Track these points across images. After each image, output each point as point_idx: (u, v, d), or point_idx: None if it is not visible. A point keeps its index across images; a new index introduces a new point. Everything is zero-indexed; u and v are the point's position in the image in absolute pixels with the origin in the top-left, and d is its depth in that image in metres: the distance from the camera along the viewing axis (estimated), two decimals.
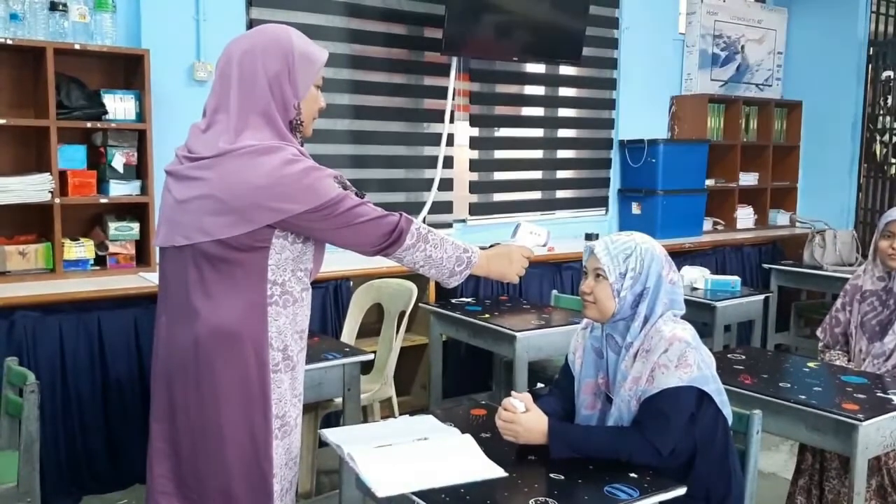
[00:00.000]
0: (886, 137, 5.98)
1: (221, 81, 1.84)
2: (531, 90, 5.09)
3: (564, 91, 5.24)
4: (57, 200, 3.30)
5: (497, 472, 1.78)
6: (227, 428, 1.81)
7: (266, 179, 1.73)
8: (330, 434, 2.02)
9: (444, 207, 4.69)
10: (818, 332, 3.13)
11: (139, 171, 3.52)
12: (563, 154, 5.33)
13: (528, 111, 5.13)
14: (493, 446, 1.90)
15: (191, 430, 1.83)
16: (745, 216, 5.95)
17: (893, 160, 5.97)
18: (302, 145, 1.87)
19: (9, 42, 3.18)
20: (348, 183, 1.87)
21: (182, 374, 1.83)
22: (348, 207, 1.80)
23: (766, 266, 5.31)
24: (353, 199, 1.82)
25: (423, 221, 4.43)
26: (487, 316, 3.51)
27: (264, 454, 1.84)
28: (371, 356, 3.04)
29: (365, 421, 2.04)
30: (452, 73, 4.53)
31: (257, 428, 1.82)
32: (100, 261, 3.50)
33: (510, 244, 2.09)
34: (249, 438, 1.82)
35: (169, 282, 1.89)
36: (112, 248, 3.50)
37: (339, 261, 3.90)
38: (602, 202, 5.49)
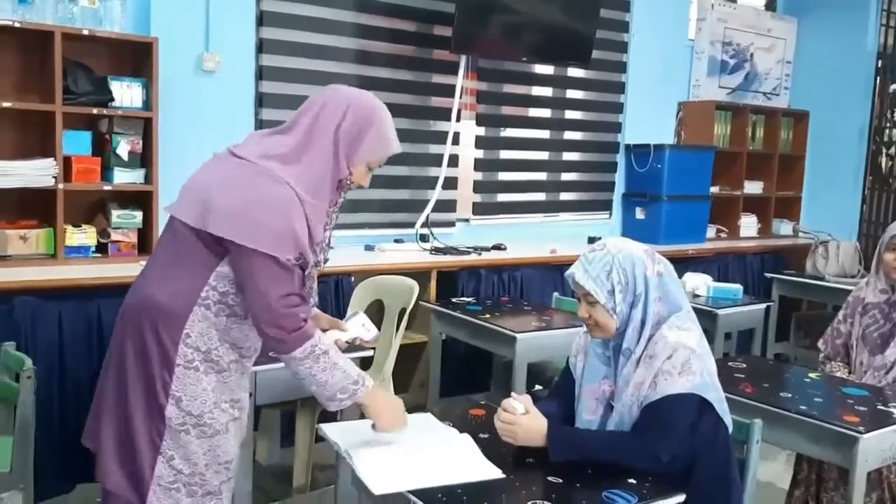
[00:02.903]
0: (892, 150, 5.98)
1: (303, 111, 1.92)
2: (539, 91, 5.07)
3: (572, 93, 5.23)
4: (60, 186, 3.29)
5: (495, 473, 1.77)
6: (130, 396, 1.87)
7: (242, 199, 1.80)
8: (327, 429, 2.02)
9: (447, 206, 4.67)
10: (819, 344, 3.12)
11: (144, 159, 3.51)
12: (568, 156, 5.32)
13: (535, 112, 5.11)
14: (492, 447, 1.89)
15: (114, 374, 1.91)
16: (748, 225, 5.94)
17: None
18: (339, 206, 1.97)
19: (17, 25, 3.17)
20: (309, 264, 1.88)
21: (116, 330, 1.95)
22: (269, 276, 1.80)
23: (768, 275, 5.29)
24: (281, 276, 1.81)
25: (427, 220, 4.44)
26: (488, 316, 3.50)
27: (147, 447, 1.86)
28: (370, 353, 3.03)
29: (363, 417, 2.05)
30: (461, 71, 4.52)
31: (148, 406, 1.85)
32: (101, 248, 3.49)
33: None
34: (142, 419, 1.86)
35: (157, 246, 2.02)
36: (114, 236, 3.49)
37: (341, 256, 3.90)
38: (606, 206, 5.47)
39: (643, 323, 1.92)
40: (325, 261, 2.00)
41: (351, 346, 2.97)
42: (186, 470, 1.88)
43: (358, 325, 2.21)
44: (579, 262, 1.96)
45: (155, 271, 1.93)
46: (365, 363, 3.27)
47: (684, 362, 1.86)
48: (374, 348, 3.29)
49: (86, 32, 3.32)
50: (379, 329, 3.57)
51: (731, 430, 1.96)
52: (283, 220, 1.80)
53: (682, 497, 1.74)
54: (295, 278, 1.84)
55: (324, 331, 2.08)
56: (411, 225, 4.45)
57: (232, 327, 1.90)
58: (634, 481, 1.76)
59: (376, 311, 3.69)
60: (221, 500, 1.95)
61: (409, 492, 1.67)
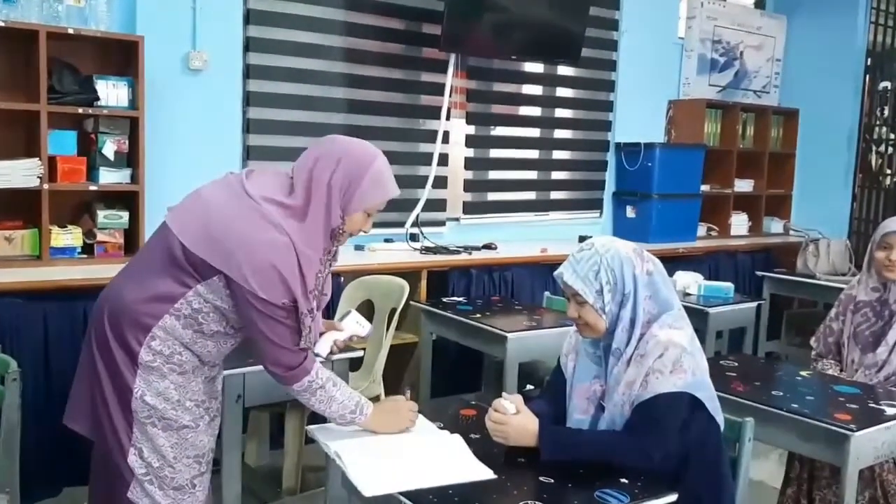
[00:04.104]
0: (882, 148, 5.99)
1: (301, 168, 1.95)
2: (529, 89, 5.06)
3: (562, 91, 5.22)
4: (45, 186, 3.25)
5: (486, 473, 1.76)
6: (105, 383, 1.91)
7: (240, 236, 1.84)
8: (317, 431, 2.01)
9: (437, 205, 4.66)
10: (812, 341, 3.12)
11: (130, 159, 3.48)
12: (558, 155, 5.30)
13: (525, 111, 5.10)
14: (483, 447, 1.88)
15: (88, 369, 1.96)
16: (739, 223, 5.93)
17: (889, 171, 5.98)
18: (333, 255, 2.02)
19: (1, 24, 3.13)
20: (311, 307, 1.92)
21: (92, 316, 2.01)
22: (268, 316, 1.86)
23: (759, 273, 5.29)
24: (279, 315, 1.86)
25: (417, 219, 4.42)
26: (479, 316, 3.49)
27: (122, 436, 1.90)
28: (360, 353, 3.01)
29: None
30: (450, 69, 4.50)
31: (119, 400, 1.90)
32: (87, 249, 3.45)
33: (398, 399, 2.12)
34: (116, 402, 1.90)
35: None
36: (100, 237, 3.46)
37: None
38: (597, 204, 5.47)
39: (633, 322, 1.91)
40: (321, 307, 2.04)
41: (346, 346, 2.97)
42: (156, 463, 1.91)
43: (352, 323, 2.26)
44: (567, 262, 1.96)
45: (135, 272, 1.97)
46: (355, 364, 3.26)
47: (675, 361, 1.85)
48: (364, 349, 3.27)
49: (71, 31, 3.28)
50: None
51: (722, 428, 1.96)
52: (279, 266, 1.83)
53: (674, 496, 1.73)
54: (291, 319, 1.88)
55: (321, 334, 2.13)
56: (401, 224, 4.43)
57: (197, 342, 1.94)
58: (626, 481, 1.75)
59: (366, 312, 3.67)
60: (195, 495, 1.97)
61: (400, 493, 1.65)
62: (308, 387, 1.94)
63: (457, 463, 1.81)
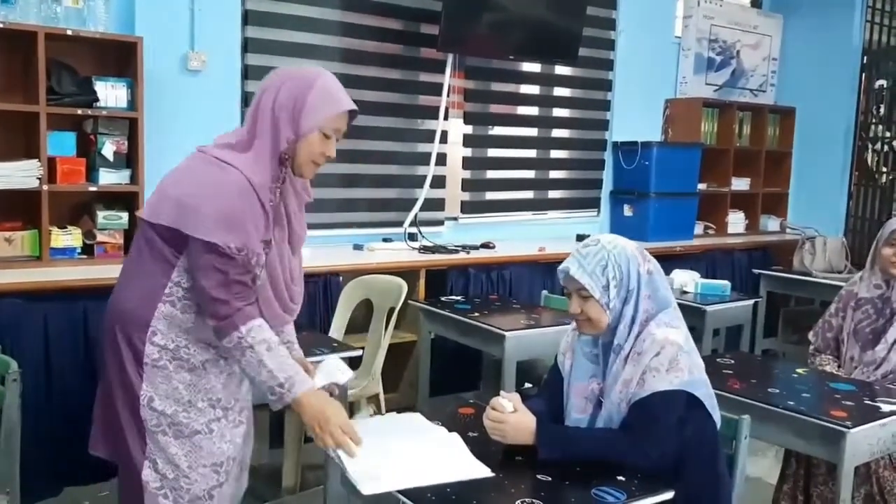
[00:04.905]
0: (878, 146, 6.00)
1: (252, 103, 1.92)
2: (526, 89, 5.07)
3: (559, 91, 5.23)
4: (45, 187, 3.26)
5: (483, 471, 1.77)
6: (117, 397, 1.89)
7: (189, 187, 1.83)
8: None
9: (435, 205, 4.67)
10: (810, 336, 3.13)
11: (129, 159, 3.49)
12: (556, 154, 5.32)
13: (522, 110, 5.12)
14: (481, 446, 1.89)
15: (103, 390, 1.94)
16: (736, 221, 5.95)
17: (885, 169, 6.00)
18: (283, 182, 1.91)
19: (0, 26, 3.14)
20: (256, 254, 1.85)
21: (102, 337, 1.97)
22: (208, 262, 1.80)
23: (755, 271, 5.31)
24: (219, 262, 1.79)
25: (415, 218, 4.44)
26: (477, 315, 3.50)
27: (135, 453, 1.86)
28: (359, 352, 3.02)
29: (351, 417, 2.04)
30: (448, 69, 4.51)
31: (131, 412, 1.86)
32: (87, 249, 3.46)
33: (333, 402, 1.90)
34: (126, 424, 1.86)
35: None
36: (100, 237, 3.47)
37: (329, 256, 3.90)
38: (594, 203, 5.48)
39: (633, 319, 1.92)
40: (296, 249, 2.00)
41: (339, 345, 2.99)
42: (170, 474, 1.85)
43: (332, 370, 2.04)
44: (573, 256, 1.95)
45: (123, 274, 1.95)
46: (354, 364, 3.26)
47: (672, 359, 1.86)
48: (363, 348, 3.28)
49: (69, 32, 3.29)
50: (368, 329, 3.59)
51: (719, 426, 1.97)
52: (225, 207, 1.79)
53: (670, 494, 1.74)
54: (236, 265, 1.81)
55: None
56: (400, 224, 4.44)
57: (201, 327, 1.87)
58: (623, 478, 1.76)
59: (365, 311, 3.69)
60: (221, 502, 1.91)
61: (399, 492, 1.67)
62: (237, 344, 1.82)
63: (455, 461, 1.82)
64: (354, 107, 1.93)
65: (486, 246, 4.51)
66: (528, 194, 5.19)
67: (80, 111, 3.34)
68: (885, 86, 5.96)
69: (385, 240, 4.37)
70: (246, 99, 3.95)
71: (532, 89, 5.09)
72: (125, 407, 1.85)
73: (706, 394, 1.91)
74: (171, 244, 1.83)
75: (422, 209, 4.51)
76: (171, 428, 1.85)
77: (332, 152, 1.93)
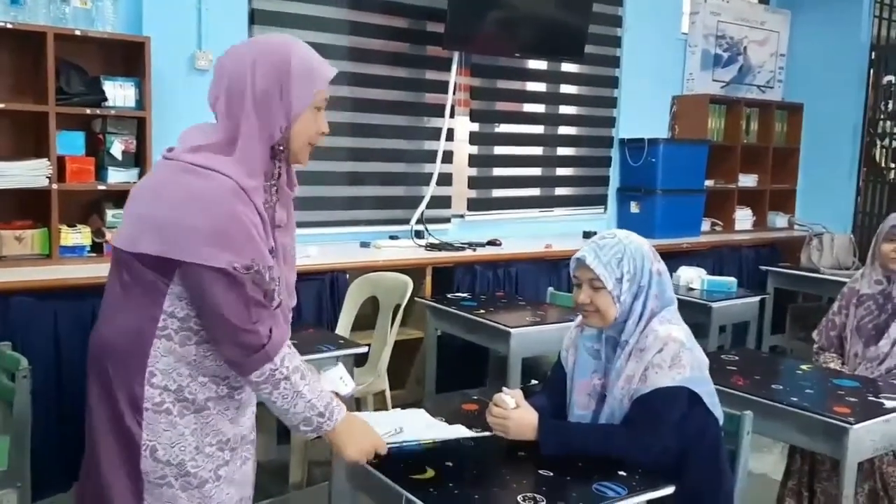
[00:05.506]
0: (886, 142, 5.98)
1: (215, 89, 1.65)
2: (532, 87, 5.08)
3: (566, 88, 5.23)
4: (54, 186, 3.29)
5: (465, 432, 1.86)
6: (109, 453, 1.62)
7: (166, 205, 1.54)
8: None
9: (442, 202, 4.68)
10: (814, 335, 3.13)
11: (138, 158, 3.52)
12: (562, 151, 5.32)
13: (528, 108, 5.12)
14: (483, 441, 1.90)
15: (89, 426, 1.67)
16: (743, 218, 5.95)
17: (893, 165, 5.97)
18: (278, 178, 1.65)
19: (9, 27, 3.17)
20: (267, 267, 1.58)
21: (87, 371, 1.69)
22: (220, 288, 1.52)
23: (763, 268, 5.30)
24: (233, 285, 1.52)
25: (422, 216, 4.45)
26: (483, 312, 3.52)
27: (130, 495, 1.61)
28: (365, 349, 3.04)
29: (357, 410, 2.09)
30: (454, 67, 4.52)
31: (128, 468, 1.60)
32: (96, 248, 3.49)
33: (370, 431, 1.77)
34: (121, 472, 1.61)
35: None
36: (109, 236, 3.49)
37: (335, 253, 3.92)
38: (601, 200, 5.48)
39: (641, 316, 1.94)
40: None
41: (346, 342, 3.01)
42: None
43: (336, 379, 1.98)
44: (589, 246, 1.96)
45: (105, 308, 1.66)
46: (360, 360, 3.29)
47: (674, 356, 1.87)
48: (369, 345, 3.30)
49: (78, 33, 3.32)
50: (375, 327, 3.61)
51: (721, 422, 1.98)
52: (219, 222, 1.51)
53: (671, 489, 1.75)
54: (250, 285, 1.55)
55: None
56: (406, 221, 4.46)
57: (206, 356, 1.61)
58: (625, 474, 1.77)
59: (371, 308, 3.71)
60: None
61: (402, 488, 1.68)
62: (269, 376, 1.59)
63: (462, 432, 1.88)
64: (335, 70, 1.72)
65: (492, 243, 4.53)
66: (535, 191, 5.20)
67: (88, 111, 3.37)
68: (892, 81, 5.94)
69: (392, 237, 4.39)
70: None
71: (538, 86, 5.10)
72: (121, 463, 1.59)
73: (708, 391, 1.92)
74: (157, 270, 1.55)
75: (428, 207, 4.53)
76: (178, 480, 1.60)
77: (326, 126, 1.70)
